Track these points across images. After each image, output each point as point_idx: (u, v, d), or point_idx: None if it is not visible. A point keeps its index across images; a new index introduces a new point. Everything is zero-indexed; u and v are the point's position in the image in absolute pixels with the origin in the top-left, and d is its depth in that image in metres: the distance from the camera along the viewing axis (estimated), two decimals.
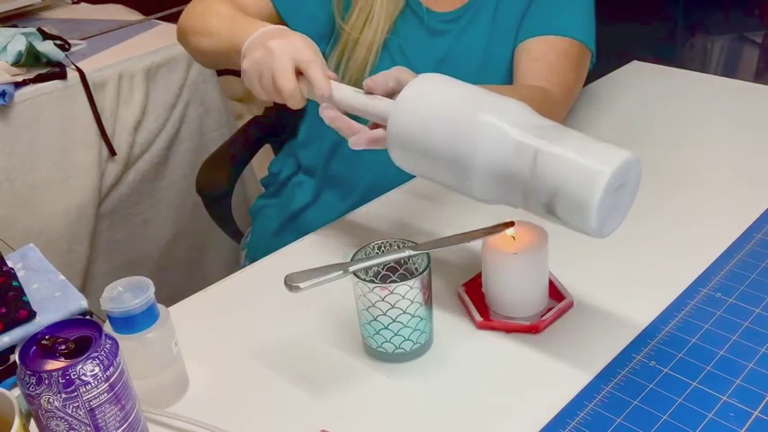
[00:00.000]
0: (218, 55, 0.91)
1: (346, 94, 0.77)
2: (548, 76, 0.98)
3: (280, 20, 1.01)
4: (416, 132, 0.68)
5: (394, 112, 0.70)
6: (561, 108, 1.00)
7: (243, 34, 0.83)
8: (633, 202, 0.65)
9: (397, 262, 0.72)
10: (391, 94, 0.74)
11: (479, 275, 0.78)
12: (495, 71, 1.04)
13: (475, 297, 0.76)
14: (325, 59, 0.84)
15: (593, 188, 0.59)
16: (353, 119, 0.76)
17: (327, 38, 1.04)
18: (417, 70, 0.74)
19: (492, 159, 0.64)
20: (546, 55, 1.00)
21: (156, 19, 1.91)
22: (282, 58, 0.77)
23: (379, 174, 1.06)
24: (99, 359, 0.53)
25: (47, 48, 1.54)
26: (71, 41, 1.68)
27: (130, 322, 0.63)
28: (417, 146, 0.68)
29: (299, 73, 0.77)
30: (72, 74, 1.52)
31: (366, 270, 0.70)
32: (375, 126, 0.75)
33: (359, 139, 0.74)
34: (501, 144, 0.63)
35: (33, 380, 0.52)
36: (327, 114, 0.76)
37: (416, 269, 0.71)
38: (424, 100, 0.69)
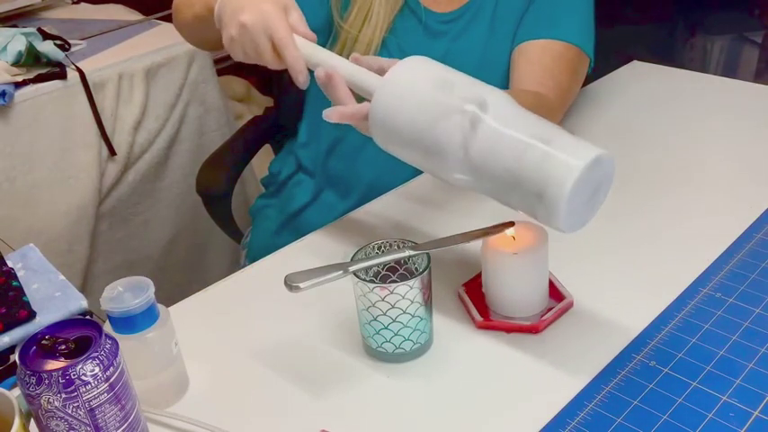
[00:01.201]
0: (199, 24, 0.90)
1: (332, 60, 0.75)
2: (543, 80, 0.98)
3: None
4: (399, 114, 0.68)
5: (380, 90, 0.70)
6: (556, 112, 1.00)
7: None
8: (605, 199, 0.66)
9: (397, 262, 0.72)
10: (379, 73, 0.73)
11: (479, 275, 0.78)
12: (494, 73, 1.04)
13: (475, 297, 0.76)
14: None
15: (565, 182, 0.59)
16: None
17: (326, 33, 1.03)
18: None
19: (468, 148, 0.64)
20: (542, 58, 0.99)
21: (156, 19, 1.91)
22: (258, 38, 0.75)
23: (379, 173, 1.06)
24: (99, 359, 0.53)
25: (47, 48, 1.54)
26: (71, 41, 1.69)
27: (130, 322, 0.63)
28: (398, 126, 0.68)
29: None
30: (72, 74, 1.52)
31: (366, 270, 0.70)
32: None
33: (332, 112, 0.73)
34: (479, 134, 0.64)
35: (33, 380, 0.52)
36: (319, 73, 0.74)
37: (416, 269, 0.71)
38: (410, 84, 0.69)
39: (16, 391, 0.54)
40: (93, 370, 0.53)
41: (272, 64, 0.76)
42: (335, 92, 0.73)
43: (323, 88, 0.75)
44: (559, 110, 1.01)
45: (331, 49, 1.03)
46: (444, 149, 0.66)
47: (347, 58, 0.94)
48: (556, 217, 0.61)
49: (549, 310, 0.74)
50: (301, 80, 0.76)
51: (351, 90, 0.74)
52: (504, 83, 1.04)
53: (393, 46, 1.02)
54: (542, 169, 0.61)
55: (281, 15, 0.76)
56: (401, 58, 1.02)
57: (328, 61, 0.75)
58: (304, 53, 0.76)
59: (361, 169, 1.08)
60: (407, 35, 1.03)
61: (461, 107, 0.65)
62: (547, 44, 1.00)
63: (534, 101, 0.95)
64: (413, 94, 0.68)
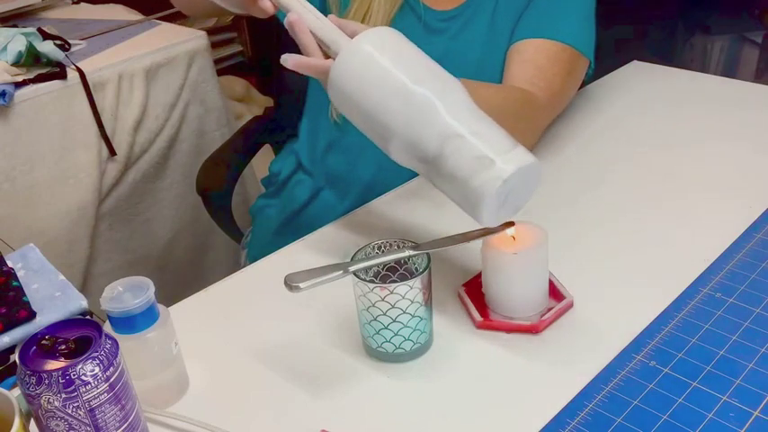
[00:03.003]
0: None
1: (304, 9, 0.75)
2: (534, 79, 0.98)
3: None
4: (356, 81, 0.69)
5: (344, 52, 0.70)
6: (544, 112, 1.00)
7: None
8: (529, 198, 0.70)
9: (397, 262, 0.72)
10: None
11: (479, 275, 0.78)
12: (493, 71, 1.04)
13: (475, 297, 0.76)
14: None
15: (489, 185, 0.64)
16: None
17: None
18: None
19: (412, 128, 0.67)
20: (536, 57, 0.99)
21: (156, 19, 1.91)
22: None
23: (378, 172, 1.06)
24: (99, 359, 0.53)
25: (47, 48, 1.54)
26: (71, 41, 1.68)
27: (130, 322, 0.63)
28: (354, 93, 0.70)
29: None
30: (72, 74, 1.52)
31: (366, 270, 0.70)
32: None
33: (288, 57, 0.73)
34: (423, 116, 0.67)
35: (33, 380, 0.52)
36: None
37: (416, 269, 0.71)
38: (373, 54, 0.69)
39: (16, 391, 0.54)
40: (93, 370, 0.53)
41: None
42: (299, 39, 0.74)
43: (290, 33, 0.75)
44: (547, 110, 1.00)
45: None
46: (391, 127, 0.68)
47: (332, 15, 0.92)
48: (479, 215, 0.67)
49: (549, 310, 0.74)
50: (267, 5, 0.76)
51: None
52: (501, 81, 1.04)
53: None
54: (471, 167, 0.65)
55: None
56: None
57: (301, 9, 0.75)
58: None
59: (359, 168, 1.08)
60: (407, 33, 1.03)
61: (414, 89, 0.67)
62: (542, 44, 1.00)
63: (522, 98, 0.94)
64: (373, 66, 0.69)
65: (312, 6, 0.76)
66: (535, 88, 0.97)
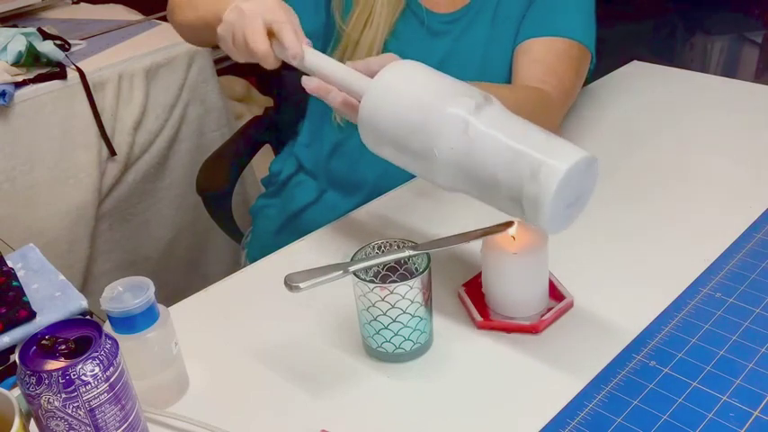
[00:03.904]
0: (201, 28, 0.90)
1: (323, 61, 0.76)
2: (546, 78, 0.98)
3: None
4: (386, 117, 0.68)
5: (369, 92, 0.69)
6: (558, 109, 1.00)
7: (224, 4, 0.81)
8: (589, 199, 0.66)
9: (397, 262, 0.72)
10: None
11: (479, 275, 0.78)
12: (495, 72, 1.04)
13: (475, 297, 0.76)
14: None
15: (549, 184, 0.60)
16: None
17: (320, 38, 1.03)
18: None
19: (454, 150, 0.65)
20: (545, 56, 0.99)
21: (156, 19, 1.91)
22: (253, 19, 0.76)
23: (383, 174, 1.06)
24: (99, 359, 0.53)
25: (47, 48, 1.54)
26: (71, 41, 1.69)
27: (130, 322, 0.63)
28: (386, 130, 0.68)
29: (272, 34, 0.77)
30: (72, 74, 1.52)
31: (366, 270, 0.70)
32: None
33: (337, 95, 0.73)
34: (463, 136, 0.64)
35: (33, 380, 0.52)
36: (309, 83, 0.74)
37: (416, 269, 0.71)
38: (398, 86, 0.68)
39: (16, 391, 0.54)
40: (93, 370, 0.53)
41: (258, 47, 0.75)
42: (328, 101, 0.74)
43: (312, 93, 0.75)
44: (561, 107, 1.01)
45: (332, 53, 1.03)
46: (430, 152, 0.66)
47: (347, 61, 0.93)
48: (541, 219, 0.62)
49: (549, 310, 0.74)
50: (297, 56, 0.75)
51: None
52: (505, 81, 1.04)
53: (394, 49, 1.02)
54: (528, 172, 0.61)
55: (284, 6, 0.77)
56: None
57: (320, 63, 0.75)
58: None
59: (364, 171, 1.08)
60: (409, 37, 1.03)
61: (448, 110, 0.65)
62: (550, 42, 1.00)
63: (537, 97, 0.95)
64: (401, 96, 0.68)
65: (324, 55, 0.76)
66: (547, 86, 0.97)
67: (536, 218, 0.62)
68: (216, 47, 0.86)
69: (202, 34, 0.93)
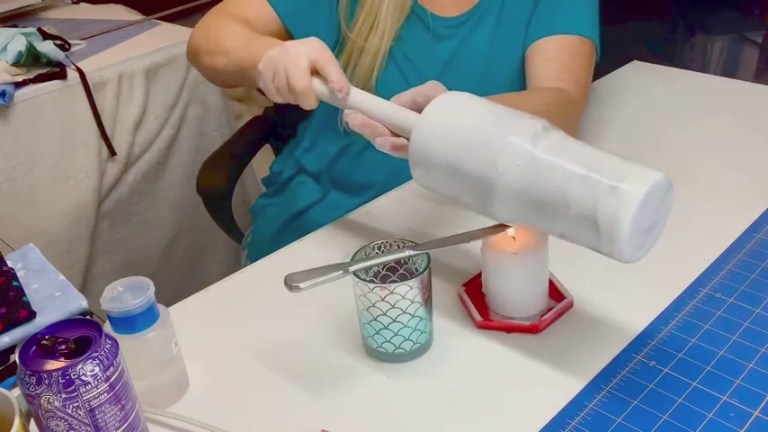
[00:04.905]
0: (232, 74, 0.90)
1: (367, 97, 0.75)
2: (562, 76, 0.98)
3: (287, 35, 1.00)
4: (440, 151, 0.66)
5: (419, 126, 0.68)
6: (579, 106, 1.00)
7: (261, 50, 0.82)
8: (668, 215, 0.63)
9: (397, 262, 0.72)
10: (419, 110, 0.71)
11: (479, 275, 0.78)
12: (499, 74, 1.04)
13: (475, 297, 0.76)
14: None
15: (625, 210, 0.57)
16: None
17: (333, 47, 1.03)
18: (422, 75, 0.74)
19: (516, 181, 0.62)
20: (559, 54, 1.00)
21: (156, 19, 1.91)
22: (298, 56, 0.76)
23: (388, 175, 1.05)
24: (99, 359, 0.53)
25: (47, 48, 1.54)
26: (71, 41, 1.68)
27: (130, 322, 0.63)
28: (440, 164, 0.66)
29: (314, 73, 0.77)
30: (72, 74, 1.52)
31: (366, 270, 0.70)
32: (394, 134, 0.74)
33: (384, 141, 0.73)
34: (526, 165, 0.62)
35: (33, 380, 0.52)
36: (355, 119, 0.74)
37: (416, 269, 0.71)
38: (450, 118, 0.67)
39: (16, 391, 0.54)
40: (93, 370, 0.53)
41: (299, 83, 0.76)
42: (372, 138, 0.74)
43: (357, 130, 0.75)
44: (581, 103, 1.01)
45: (337, 59, 1.03)
46: (487, 182, 0.63)
47: (353, 67, 0.93)
48: (618, 249, 0.59)
49: (549, 310, 0.74)
50: (342, 91, 0.76)
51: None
52: (510, 84, 1.04)
53: (399, 53, 1.02)
54: (599, 200, 0.58)
55: (327, 47, 0.78)
56: (408, 64, 1.03)
57: (364, 99, 0.75)
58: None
59: (370, 172, 1.08)
60: (414, 41, 1.03)
61: (505, 138, 0.63)
62: (562, 40, 1.01)
63: (559, 98, 0.95)
64: (453, 127, 0.66)
65: (367, 93, 0.76)
66: (564, 84, 0.97)
67: (613, 237, 0.58)
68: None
69: (231, 79, 0.94)
